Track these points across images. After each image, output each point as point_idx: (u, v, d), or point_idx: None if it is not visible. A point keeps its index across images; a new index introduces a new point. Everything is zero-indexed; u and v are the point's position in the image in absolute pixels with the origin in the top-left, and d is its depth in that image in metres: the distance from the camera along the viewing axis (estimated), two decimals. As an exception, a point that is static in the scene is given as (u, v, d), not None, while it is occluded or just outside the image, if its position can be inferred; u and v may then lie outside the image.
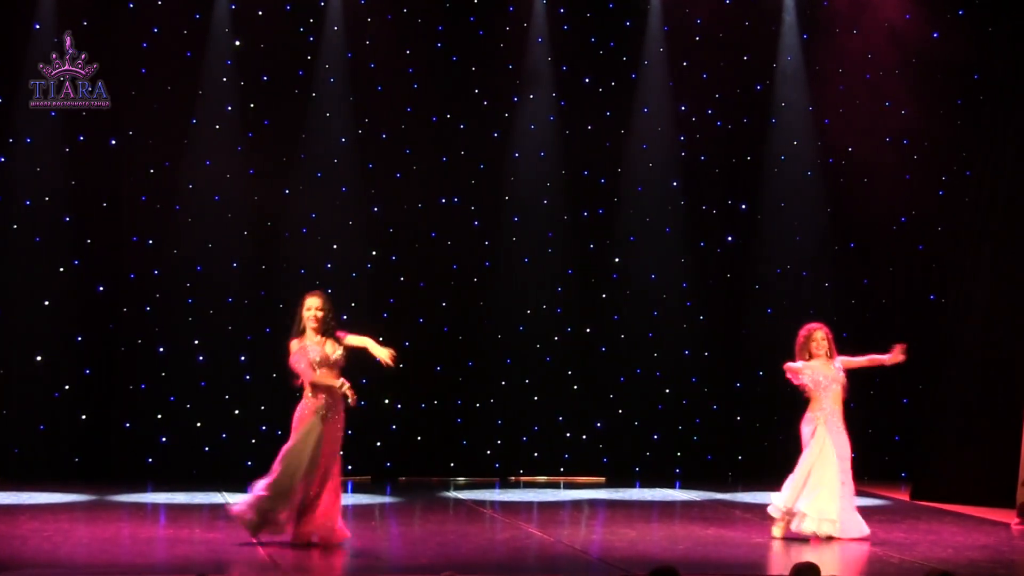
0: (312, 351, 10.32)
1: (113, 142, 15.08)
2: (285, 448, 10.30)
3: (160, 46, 15.16)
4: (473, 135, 15.94)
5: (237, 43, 15.39)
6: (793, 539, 10.93)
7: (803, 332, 11.36)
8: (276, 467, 10.21)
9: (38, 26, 14.84)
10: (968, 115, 15.87)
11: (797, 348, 11.34)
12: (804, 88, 16.33)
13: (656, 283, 16.20)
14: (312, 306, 10.48)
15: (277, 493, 10.10)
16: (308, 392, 10.34)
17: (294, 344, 10.43)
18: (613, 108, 16.20)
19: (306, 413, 10.29)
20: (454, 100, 15.90)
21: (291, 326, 10.66)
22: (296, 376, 10.48)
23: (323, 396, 10.29)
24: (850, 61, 16.32)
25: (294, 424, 10.35)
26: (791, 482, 11.09)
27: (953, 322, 14.38)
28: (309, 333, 10.43)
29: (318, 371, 10.29)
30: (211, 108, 15.32)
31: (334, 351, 10.38)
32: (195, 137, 15.28)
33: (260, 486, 10.22)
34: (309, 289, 15.28)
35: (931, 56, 16.15)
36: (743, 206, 16.43)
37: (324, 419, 10.23)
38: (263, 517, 10.14)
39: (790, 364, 11.32)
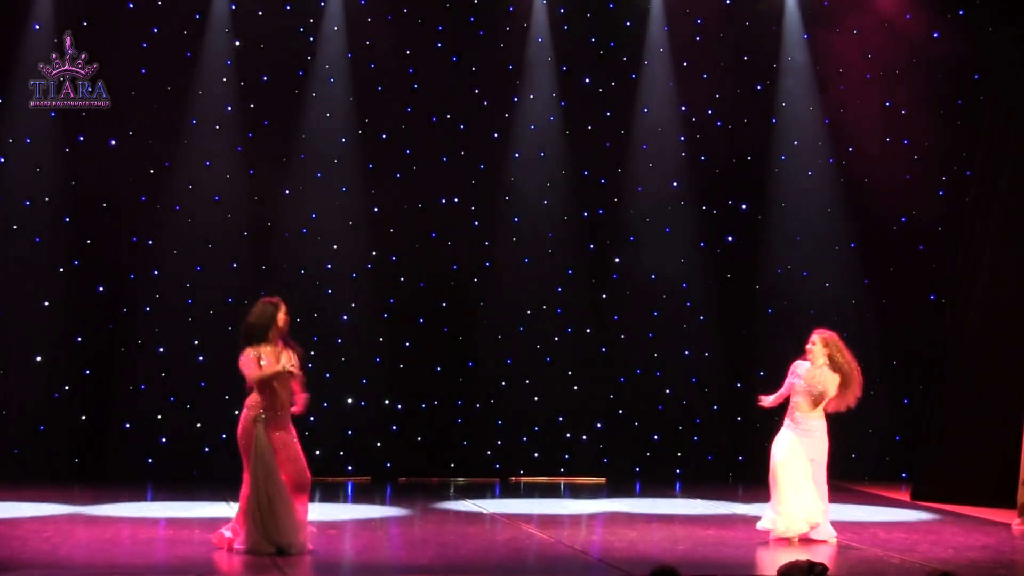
0: (264, 360, 10.04)
1: (113, 142, 15.07)
2: (245, 478, 10.03)
3: (160, 46, 15.16)
4: (473, 135, 15.93)
5: (237, 43, 15.39)
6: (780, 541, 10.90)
7: None
8: (244, 491, 9.99)
9: (37, 26, 14.84)
10: (968, 115, 15.86)
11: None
12: (805, 88, 16.32)
13: (656, 283, 16.19)
14: (285, 312, 10.19)
15: (255, 513, 9.91)
16: (252, 399, 10.02)
17: (250, 352, 10.02)
18: (613, 108, 16.19)
19: (246, 424, 10.00)
20: (454, 100, 15.89)
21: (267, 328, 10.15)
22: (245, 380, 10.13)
23: (263, 401, 10.08)
24: (851, 61, 16.30)
25: (239, 438, 10.04)
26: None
27: (953, 322, 14.36)
28: (271, 342, 10.09)
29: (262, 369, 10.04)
30: (211, 108, 15.32)
31: (290, 361, 10.13)
32: (195, 137, 15.27)
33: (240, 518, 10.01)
34: (308, 290, 15.45)
35: (932, 56, 16.15)
36: (743, 206, 16.42)
37: (265, 424, 10.01)
38: (262, 539, 9.94)
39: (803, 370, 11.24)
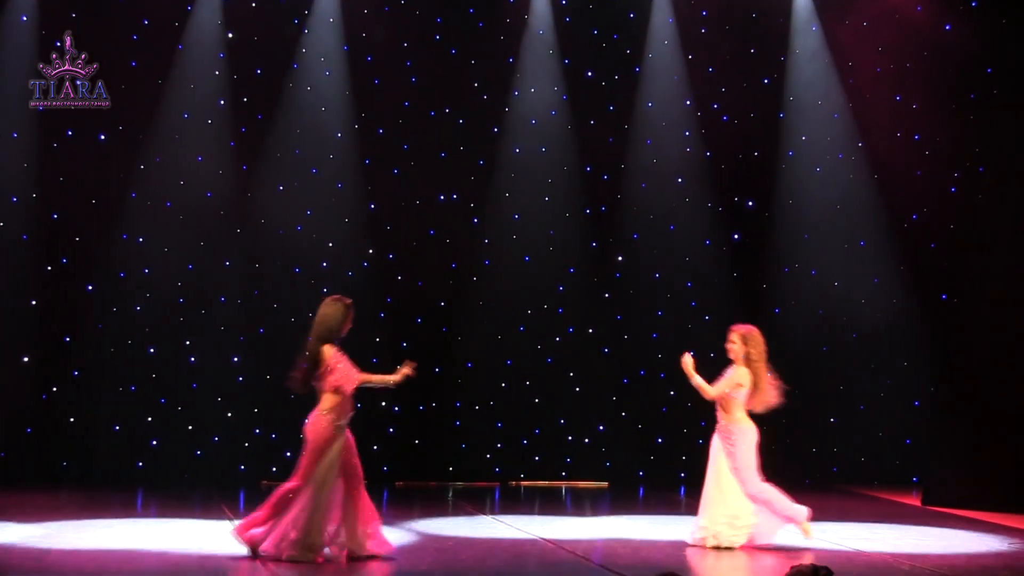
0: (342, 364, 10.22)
1: (102, 137, 15.06)
2: (310, 471, 10.07)
3: (150, 39, 15.16)
4: (472, 130, 15.92)
5: (230, 35, 15.37)
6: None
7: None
8: (304, 494, 10.00)
9: (25, 18, 14.83)
10: (981, 109, 15.81)
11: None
12: (813, 82, 16.31)
13: (660, 282, 16.18)
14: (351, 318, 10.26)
15: (313, 519, 9.95)
16: (331, 402, 10.15)
17: (331, 350, 10.06)
18: (616, 102, 16.18)
19: (326, 428, 10.04)
20: (453, 94, 15.88)
21: (325, 327, 10.07)
22: (317, 379, 10.07)
23: (339, 407, 10.17)
24: (860, 54, 16.28)
25: (313, 440, 10.02)
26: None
27: (965, 323, 14.34)
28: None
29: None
30: (203, 102, 15.31)
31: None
32: (186, 132, 15.26)
33: (288, 520, 9.99)
34: (303, 289, 15.44)
35: (943, 49, 16.12)
36: (750, 203, 16.41)
37: (341, 430, 10.14)
38: (308, 546, 9.97)
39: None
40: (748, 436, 10.99)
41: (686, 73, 16.18)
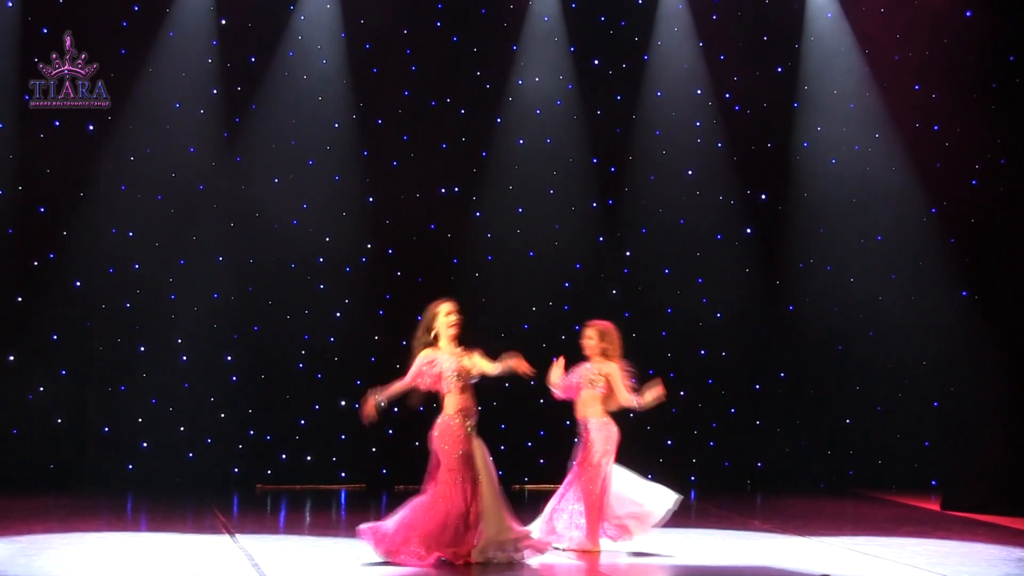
0: (447, 362, 10.28)
1: (91, 128, 15.05)
2: (461, 486, 10.27)
3: (141, 25, 15.15)
4: (474, 120, 15.90)
5: (223, 22, 15.36)
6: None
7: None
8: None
9: (10, 4, 14.83)
10: (1003, 99, 15.78)
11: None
12: (828, 70, 16.27)
13: (670, 278, 16.16)
14: (452, 310, 10.37)
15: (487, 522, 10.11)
16: (451, 407, 10.28)
17: (426, 353, 10.29)
18: (624, 91, 16.16)
19: (458, 434, 10.30)
20: (454, 83, 15.87)
21: (416, 333, 10.38)
22: (415, 386, 10.33)
23: (465, 408, 10.31)
24: (878, 41, 16.25)
25: (446, 448, 10.31)
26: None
27: (986, 321, 14.32)
28: (445, 343, 10.34)
29: (455, 381, 10.26)
30: (195, 91, 15.30)
31: (472, 366, 10.40)
32: (178, 122, 15.25)
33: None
34: (298, 285, 15.44)
35: (964, 36, 16.08)
36: (763, 196, 16.39)
37: (474, 432, 10.27)
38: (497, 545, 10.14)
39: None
40: (604, 431, 11.00)
41: (697, 61, 16.15)
